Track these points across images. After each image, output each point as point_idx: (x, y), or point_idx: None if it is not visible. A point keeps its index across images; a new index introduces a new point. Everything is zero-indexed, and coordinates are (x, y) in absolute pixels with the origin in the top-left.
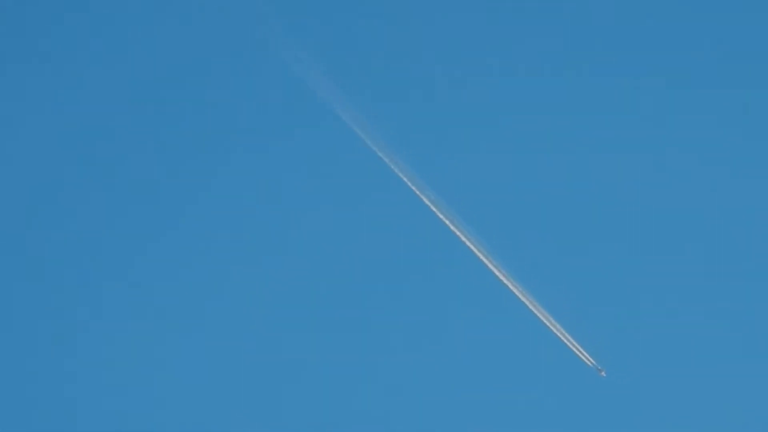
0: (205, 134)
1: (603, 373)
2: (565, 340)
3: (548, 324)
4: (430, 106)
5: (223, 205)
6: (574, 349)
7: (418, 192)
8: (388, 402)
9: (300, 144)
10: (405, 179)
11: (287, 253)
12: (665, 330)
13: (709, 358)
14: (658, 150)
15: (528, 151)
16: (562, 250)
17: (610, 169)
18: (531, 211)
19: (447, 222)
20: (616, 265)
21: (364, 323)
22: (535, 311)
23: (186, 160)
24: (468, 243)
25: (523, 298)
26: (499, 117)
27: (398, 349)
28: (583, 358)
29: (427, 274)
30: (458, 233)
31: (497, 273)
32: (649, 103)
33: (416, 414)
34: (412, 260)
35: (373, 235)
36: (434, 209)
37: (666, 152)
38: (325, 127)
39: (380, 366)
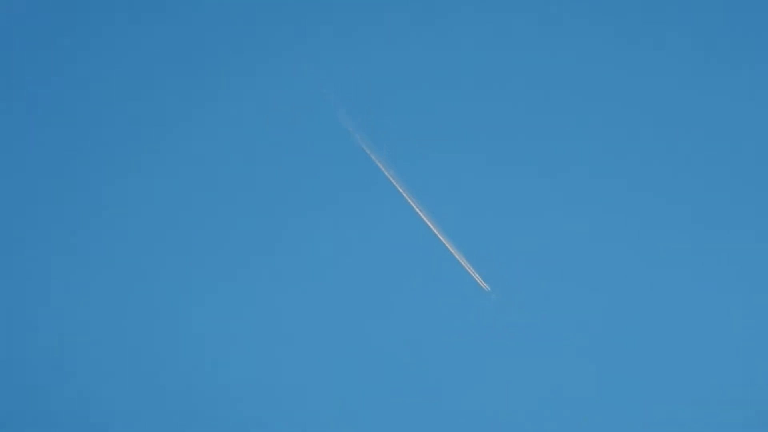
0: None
1: (487, 288)
2: (458, 257)
3: (441, 238)
4: None
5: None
6: (467, 268)
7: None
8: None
9: None
10: None
11: None
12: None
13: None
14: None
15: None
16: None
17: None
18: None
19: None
20: (517, 185)
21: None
22: (430, 224)
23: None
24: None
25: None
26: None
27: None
28: (475, 277)
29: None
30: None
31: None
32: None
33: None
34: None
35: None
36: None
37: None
38: None
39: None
